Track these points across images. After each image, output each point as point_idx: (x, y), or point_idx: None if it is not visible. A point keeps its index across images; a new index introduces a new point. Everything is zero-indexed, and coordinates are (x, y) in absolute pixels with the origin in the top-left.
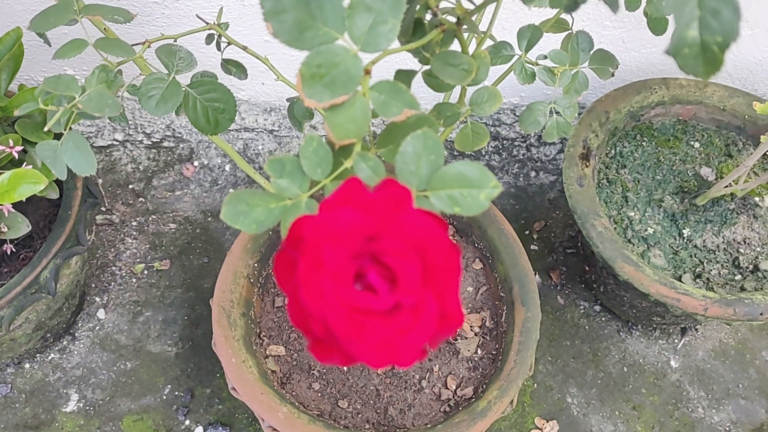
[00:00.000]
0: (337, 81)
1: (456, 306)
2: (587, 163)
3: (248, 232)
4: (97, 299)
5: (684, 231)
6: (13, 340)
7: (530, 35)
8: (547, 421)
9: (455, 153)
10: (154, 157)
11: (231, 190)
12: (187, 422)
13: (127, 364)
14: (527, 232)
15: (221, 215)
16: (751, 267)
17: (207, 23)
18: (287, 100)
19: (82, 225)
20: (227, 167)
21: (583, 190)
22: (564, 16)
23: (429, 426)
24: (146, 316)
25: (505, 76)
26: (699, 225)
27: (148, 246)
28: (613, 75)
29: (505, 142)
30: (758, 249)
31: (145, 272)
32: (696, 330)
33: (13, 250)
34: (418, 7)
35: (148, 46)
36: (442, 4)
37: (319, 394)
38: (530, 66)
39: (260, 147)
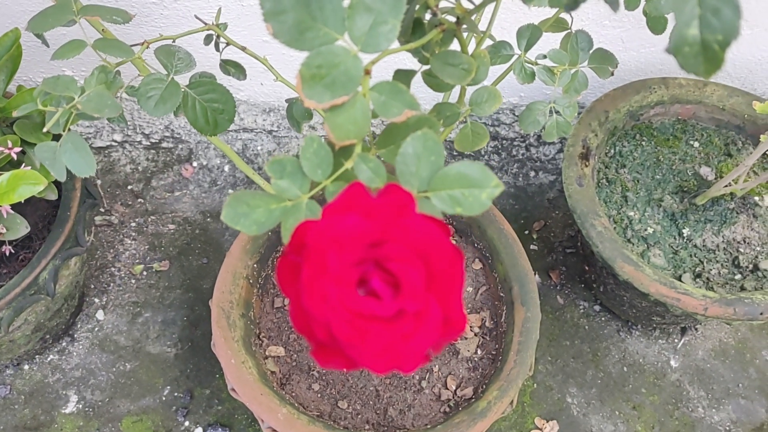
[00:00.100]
0: (337, 82)
1: (459, 311)
2: (587, 163)
3: (249, 234)
4: (96, 300)
5: (684, 230)
6: (12, 342)
7: (529, 35)
8: (547, 421)
9: (454, 153)
10: (153, 157)
11: (230, 191)
12: (187, 423)
13: (126, 365)
14: (527, 232)
15: (222, 217)
16: (750, 266)
17: (205, 24)
18: (286, 100)
19: (81, 226)
20: (226, 168)
21: (583, 189)
22: (563, 15)
23: (429, 426)
24: (145, 317)
25: (505, 75)
26: (699, 224)
27: (147, 247)
28: (612, 74)
29: (504, 141)
30: (758, 248)
31: (144, 273)
32: (696, 329)
33: (12, 251)
34: (417, 6)
35: (147, 47)
36: (442, 4)
37: (319, 395)
38: (530, 65)
39: (259, 147)
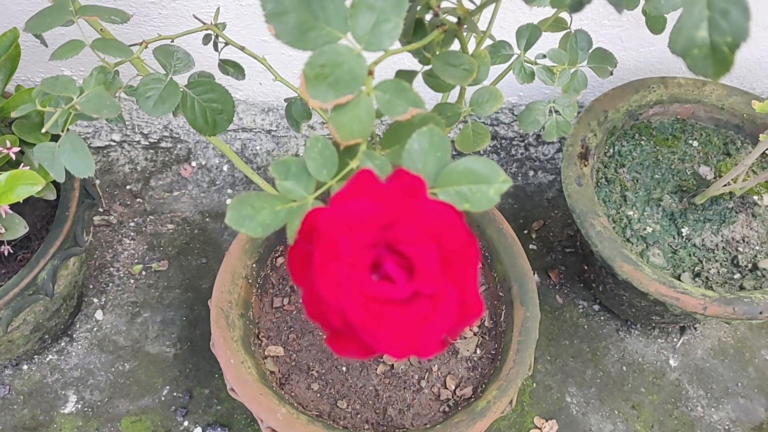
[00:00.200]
0: (341, 81)
1: (475, 294)
2: (586, 163)
3: (254, 236)
4: (95, 300)
5: (683, 230)
6: (11, 342)
7: (529, 34)
8: (547, 421)
9: (454, 153)
10: (152, 157)
11: (229, 191)
12: (186, 423)
13: (125, 365)
14: (526, 232)
15: (226, 220)
16: (750, 266)
17: (204, 23)
18: (285, 100)
19: (80, 226)
20: (225, 167)
21: (582, 189)
22: (562, 15)
23: (428, 426)
24: (144, 317)
25: (504, 75)
26: (698, 224)
27: (146, 247)
28: (611, 74)
29: (503, 141)
30: (757, 248)
31: (143, 273)
32: (695, 329)
33: (11, 251)
34: (419, 7)
35: (146, 47)
36: (443, 4)
37: (318, 395)
38: (529, 65)
39: (258, 147)
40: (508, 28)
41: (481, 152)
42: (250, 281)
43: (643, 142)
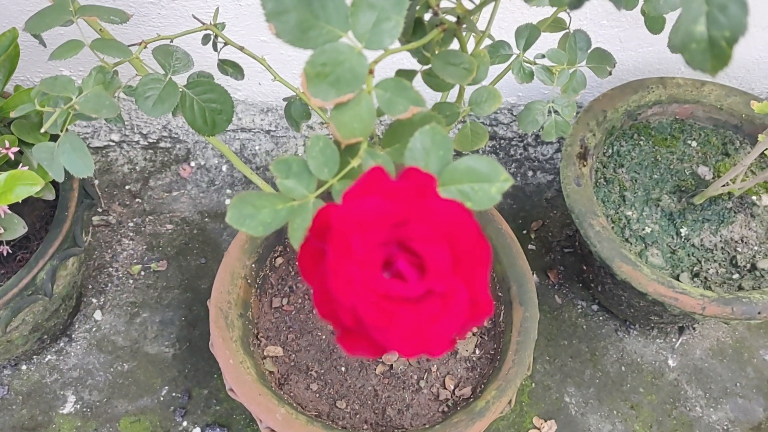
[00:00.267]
0: (342, 79)
1: (485, 293)
2: (585, 163)
3: (255, 235)
4: (94, 300)
5: (681, 230)
6: (10, 342)
7: (528, 34)
8: (546, 421)
9: (453, 152)
10: (151, 157)
11: (228, 191)
12: (185, 423)
13: (124, 365)
14: (525, 232)
15: (227, 218)
16: (748, 266)
17: (203, 23)
18: (284, 100)
19: (79, 226)
20: (224, 168)
21: (581, 189)
22: (561, 15)
23: (427, 426)
24: (143, 318)
25: (503, 75)
26: (696, 224)
27: (145, 247)
28: (610, 74)
29: (502, 141)
30: (755, 248)
31: (142, 273)
32: (693, 329)
33: (10, 251)
34: (418, 6)
35: (145, 47)
36: (442, 4)
37: (317, 395)
38: (528, 65)
39: (257, 147)
40: (507, 28)
41: (480, 152)
42: (249, 281)
43: (641, 142)
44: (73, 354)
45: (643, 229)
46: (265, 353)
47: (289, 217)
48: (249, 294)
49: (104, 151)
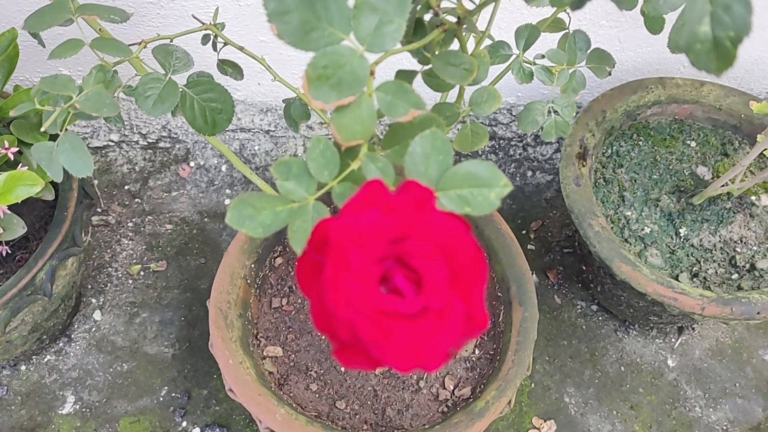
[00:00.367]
0: (343, 82)
1: (481, 308)
2: (584, 163)
3: (255, 236)
4: (94, 301)
5: (681, 230)
6: (9, 342)
7: (528, 34)
8: (545, 421)
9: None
10: (150, 157)
11: (227, 191)
12: (184, 424)
13: (123, 365)
14: (524, 232)
15: (227, 219)
16: (747, 266)
17: (203, 23)
18: (283, 101)
19: (78, 226)
20: (223, 168)
21: (580, 189)
22: (561, 15)
23: (427, 426)
24: (143, 318)
25: (503, 75)
26: (696, 224)
27: (144, 247)
28: (610, 74)
29: (501, 141)
30: (755, 248)
31: (142, 273)
32: (693, 329)
33: (9, 251)
34: (419, 7)
35: (145, 46)
36: (443, 4)
37: (317, 395)
38: (528, 65)
39: (257, 147)
40: (507, 29)
41: (479, 152)
42: (248, 281)
43: (641, 143)
44: (72, 354)
45: (643, 230)
46: (264, 353)
47: (288, 219)
48: (248, 294)
49: (103, 151)
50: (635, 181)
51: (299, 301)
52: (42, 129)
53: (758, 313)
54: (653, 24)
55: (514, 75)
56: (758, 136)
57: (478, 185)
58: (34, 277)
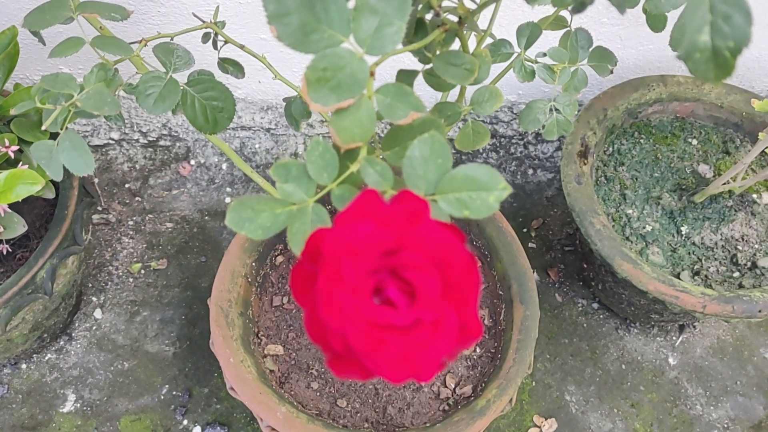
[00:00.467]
0: (343, 84)
1: (475, 318)
2: (585, 161)
3: (254, 238)
4: (94, 299)
5: (682, 228)
6: (10, 341)
7: (529, 33)
8: (546, 419)
9: (453, 152)
10: (151, 156)
11: (228, 189)
12: (185, 422)
13: (124, 363)
14: (525, 230)
15: (226, 221)
16: (749, 264)
17: (203, 21)
18: (284, 99)
19: (79, 225)
20: (224, 166)
21: (581, 187)
22: (562, 13)
23: (428, 425)
24: (143, 316)
25: (504, 74)
26: (697, 222)
27: (144, 245)
28: (611, 72)
29: (502, 139)
30: (756, 246)
31: (142, 272)
32: (694, 327)
33: (9, 250)
34: (420, 6)
35: (145, 45)
36: (444, 3)
37: (318, 394)
38: (529, 64)
39: (257, 145)
40: (508, 27)
41: (480, 150)
42: (249, 280)
43: (642, 141)
44: (73, 353)
45: (644, 228)
46: (265, 352)
47: (288, 221)
48: (249, 292)
49: (104, 150)
50: (636, 179)
51: None
52: (42, 127)
53: (759, 311)
54: (655, 22)
55: (515, 73)
56: (760, 134)
57: (476, 188)
58: (34, 276)
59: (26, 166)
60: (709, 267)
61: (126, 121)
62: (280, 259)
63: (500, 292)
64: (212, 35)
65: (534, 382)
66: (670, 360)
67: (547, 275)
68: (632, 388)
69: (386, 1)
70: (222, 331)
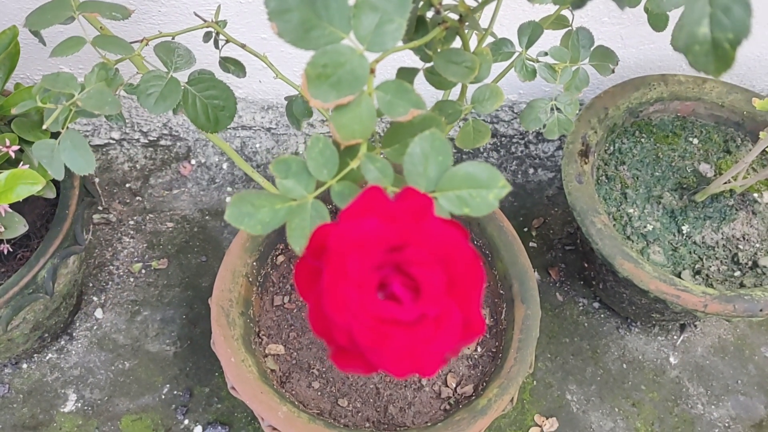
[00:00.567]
0: (343, 81)
1: (478, 314)
2: (586, 160)
3: (254, 234)
4: (95, 299)
5: (683, 227)
6: (11, 341)
7: (531, 32)
8: (547, 418)
9: (454, 151)
10: (151, 155)
11: (228, 189)
12: (186, 421)
13: (125, 363)
14: (526, 229)
15: (226, 216)
16: (750, 263)
17: (205, 21)
18: (285, 98)
19: (80, 224)
20: (225, 165)
21: (582, 186)
22: (564, 12)
23: (429, 424)
24: (144, 316)
25: (506, 73)
26: (698, 221)
27: (145, 245)
28: (613, 72)
29: (503, 139)
30: (757, 245)
31: (143, 271)
32: (695, 326)
33: (10, 249)
34: (420, 4)
35: (146, 44)
36: (444, 1)
37: (319, 393)
38: (531, 63)
39: (258, 145)
40: (509, 26)
41: (481, 150)
42: (250, 279)
43: (643, 140)
44: (74, 352)
45: (645, 227)
46: (266, 351)
47: (287, 217)
48: (250, 292)
49: (104, 149)
50: (637, 178)
51: (301, 299)
52: (43, 127)
53: (761, 310)
54: (657, 21)
55: (516, 72)
56: (761, 133)
57: (476, 186)
58: (35, 276)
59: (27, 166)
60: (710, 266)
61: (127, 121)
62: (281, 258)
63: (501, 292)
64: (213, 34)
65: (535, 382)
66: (671, 359)
67: (548, 274)
68: (633, 387)
69: None
70: (223, 330)
